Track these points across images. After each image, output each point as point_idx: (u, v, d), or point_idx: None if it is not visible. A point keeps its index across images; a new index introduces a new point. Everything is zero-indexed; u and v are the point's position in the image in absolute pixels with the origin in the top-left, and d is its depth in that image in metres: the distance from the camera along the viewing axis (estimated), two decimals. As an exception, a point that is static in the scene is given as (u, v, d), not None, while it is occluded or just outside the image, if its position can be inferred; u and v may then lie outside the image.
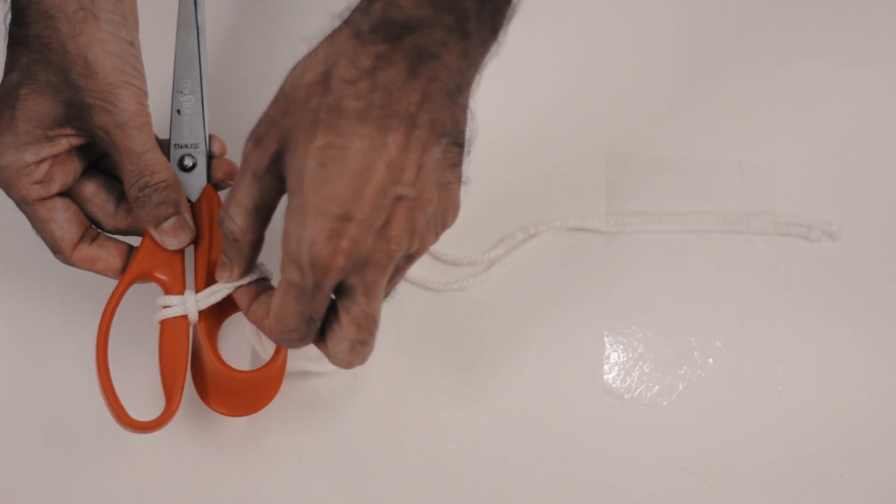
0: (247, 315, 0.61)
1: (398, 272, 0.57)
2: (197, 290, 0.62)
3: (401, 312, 0.72)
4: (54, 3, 0.60)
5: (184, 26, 0.64)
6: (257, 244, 0.60)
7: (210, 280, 0.62)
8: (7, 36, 0.62)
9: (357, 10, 0.55)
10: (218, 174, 0.65)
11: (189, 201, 0.63)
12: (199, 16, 0.64)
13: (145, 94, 0.61)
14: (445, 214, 0.57)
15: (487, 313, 0.73)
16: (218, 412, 0.64)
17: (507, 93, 0.78)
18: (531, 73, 0.80)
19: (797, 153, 0.78)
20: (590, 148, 0.77)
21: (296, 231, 0.53)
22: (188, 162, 0.64)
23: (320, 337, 0.59)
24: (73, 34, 0.59)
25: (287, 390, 0.69)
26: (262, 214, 0.58)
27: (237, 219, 0.58)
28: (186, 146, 0.64)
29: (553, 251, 0.75)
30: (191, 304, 0.62)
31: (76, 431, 0.69)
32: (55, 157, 0.62)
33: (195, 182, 0.64)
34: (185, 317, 0.62)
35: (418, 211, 0.55)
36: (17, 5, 0.61)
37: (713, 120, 0.79)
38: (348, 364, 0.59)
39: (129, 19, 0.62)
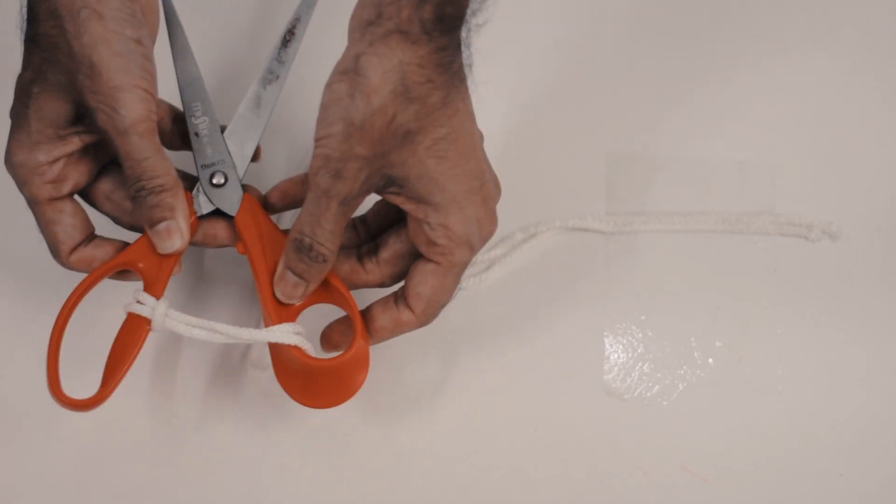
0: (376, 332, 0.64)
1: None
2: (266, 296, 0.62)
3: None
4: (62, 1, 0.59)
5: (180, 55, 0.66)
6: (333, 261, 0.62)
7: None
8: (22, 32, 0.61)
9: (402, 19, 0.56)
10: (274, 197, 0.66)
11: (229, 215, 0.64)
12: (296, 31, 0.67)
13: (153, 96, 0.61)
14: None
15: (487, 313, 0.73)
16: (304, 405, 0.64)
17: (507, 93, 0.78)
18: (531, 74, 0.80)
19: (797, 153, 0.78)
20: (590, 148, 0.77)
21: (459, 218, 0.59)
22: (218, 179, 0.65)
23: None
24: (78, 33, 0.59)
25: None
26: (341, 235, 0.61)
27: (329, 245, 0.60)
28: (213, 164, 0.65)
29: (553, 251, 0.75)
30: (159, 314, 0.62)
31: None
32: (69, 155, 0.62)
33: (231, 195, 0.65)
34: (149, 321, 0.62)
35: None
36: (29, 3, 0.61)
37: (713, 120, 0.79)
38: None
39: (138, 17, 0.61)
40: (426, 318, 0.63)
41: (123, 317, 0.62)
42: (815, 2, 0.82)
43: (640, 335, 0.73)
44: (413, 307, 0.62)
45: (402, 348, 0.71)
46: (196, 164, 0.65)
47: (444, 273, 0.61)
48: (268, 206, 0.66)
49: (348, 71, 0.56)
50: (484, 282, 0.74)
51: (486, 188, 0.60)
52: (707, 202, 0.76)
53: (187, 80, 0.66)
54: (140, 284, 0.63)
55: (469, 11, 0.58)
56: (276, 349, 0.64)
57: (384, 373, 0.71)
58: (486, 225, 0.61)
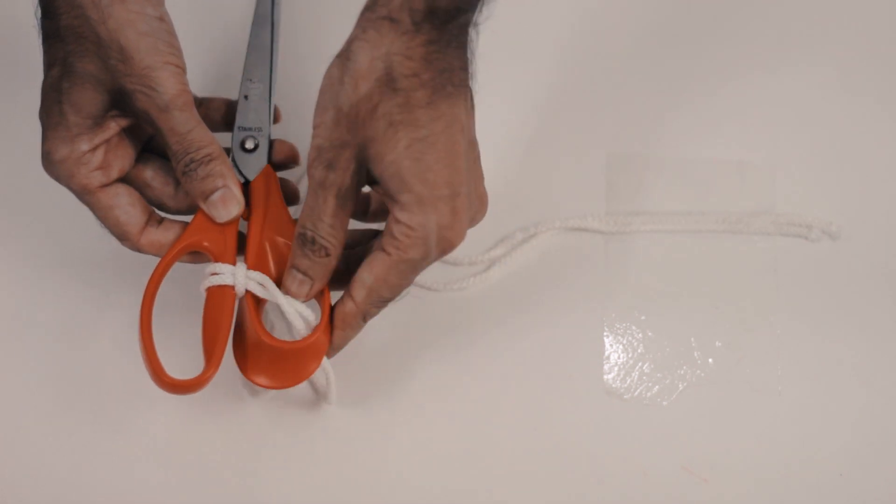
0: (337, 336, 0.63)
1: None
2: (248, 263, 0.63)
3: (401, 313, 0.72)
4: None
5: (259, 21, 0.68)
6: (338, 260, 0.62)
7: (262, 254, 0.64)
8: (40, 31, 0.62)
9: (393, 6, 0.56)
10: (279, 156, 0.66)
11: (247, 179, 0.65)
12: (274, 13, 0.68)
13: (184, 70, 0.62)
14: None
15: (487, 313, 0.73)
16: (257, 384, 0.64)
17: (507, 93, 0.78)
18: (531, 73, 0.80)
19: (797, 153, 0.78)
20: (590, 148, 0.77)
21: (420, 219, 0.58)
22: (250, 144, 0.66)
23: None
24: (102, 19, 0.59)
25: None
26: (346, 230, 0.61)
27: (331, 239, 0.61)
28: (250, 129, 0.66)
29: (553, 251, 0.75)
30: (240, 275, 0.62)
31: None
32: (108, 141, 0.62)
33: (255, 163, 0.66)
34: (232, 287, 0.62)
35: (479, 159, 0.61)
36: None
37: (713, 120, 0.79)
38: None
39: None
40: (365, 307, 0.62)
41: (203, 295, 0.63)
42: (814, 3, 0.82)
43: (640, 335, 0.73)
44: (354, 294, 0.61)
45: (402, 348, 0.71)
46: (234, 124, 0.66)
47: (391, 265, 0.60)
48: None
49: (341, 55, 0.57)
50: (484, 282, 0.74)
51: (460, 201, 0.58)
52: (707, 202, 0.76)
53: (256, 45, 0.67)
54: (208, 262, 0.64)
55: (470, 9, 0.57)
56: (240, 321, 0.64)
57: (384, 373, 0.71)
58: (448, 235, 0.59)
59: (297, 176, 0.76)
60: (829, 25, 0.81)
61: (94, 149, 0.62)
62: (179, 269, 0.65)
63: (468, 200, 0.59)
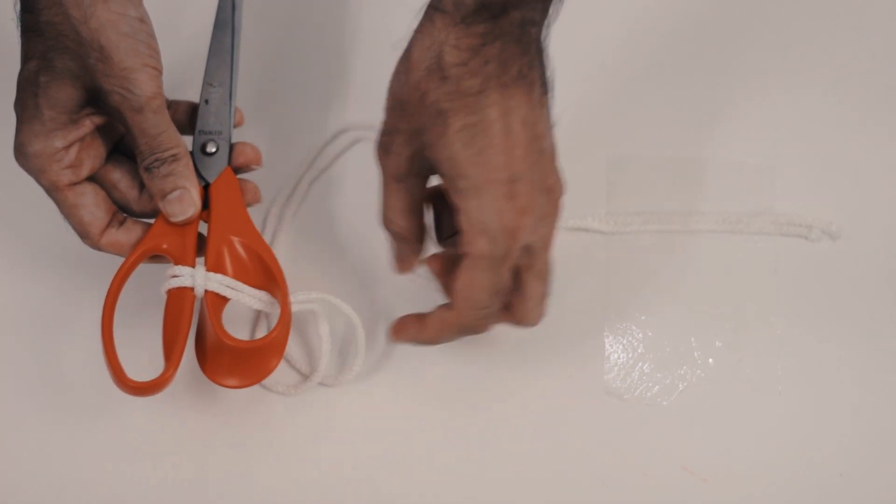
0: (427, 327, 0.64)
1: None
2: (208, 265, 0.64)
3: (401, 313, 0.72)
4: None
5: (220, 26, 0.68)
6: (422, 236, 0.64)
7: (220, 256, 0.64)
8: (19, 24, 0.62)
9: (446, 0, 0.57)
10: (239, 160, 0.67)
11: (208, 182, 0.65)
12: (235, 18, 0.68)
13: (161, 72, 0.62)
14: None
15: (487, 313, 0.73)
16: (223, 385, 0.64)
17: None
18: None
19: (797, 153, 0.78)
20: (590, 148, 0.77)
21: (476, 204, 0.58)
22: (211, 148, 0.66)
23: (504, 311, 0.63)
24: (85, 18, 0.60)
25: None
26: (416, 209, 0.63)
27: (398, 220, 0.63)
28: (210, 133, 0.67)
29: (553, 251, 0.75)
30: (199, 277, 0.63)
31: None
32: (82, 139, 0.63)
33: (216, 165, 0.66)
34: (191, 289, 0.63)
35: (555, 157, 0.61)
36: None
37: (713, 120, 0.79)
38: (539, 319, 0.64)
39: None
40: (461, 315, 0.62)
41: (164, 297, 0.63)
42: (814, 3, 0.82)
43: (640, 335, 0.73)
44: (453, 301, 0.62)
45: (401, 347, 0.71)
46: (196, 128, 0.66)
47: (471, 266, 0.59)
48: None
49: (405, 47, 0.60)
50: (484, 282, 0.74)
51: (518, 186, 0.58)
52: (707, 202, 0.76)
53: (216, 50, 0.67)
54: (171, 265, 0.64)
55: (524, 6, 0.58)
56: (202, 324, 0.64)
57: (383, 372, 0.71)
58: (507, 220, 0.58)
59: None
60: (828, 26, 0.81)
61: (68, 146, 0.62)
62: (144, 274, 0.65)
63: (530, 188, 0.59)
